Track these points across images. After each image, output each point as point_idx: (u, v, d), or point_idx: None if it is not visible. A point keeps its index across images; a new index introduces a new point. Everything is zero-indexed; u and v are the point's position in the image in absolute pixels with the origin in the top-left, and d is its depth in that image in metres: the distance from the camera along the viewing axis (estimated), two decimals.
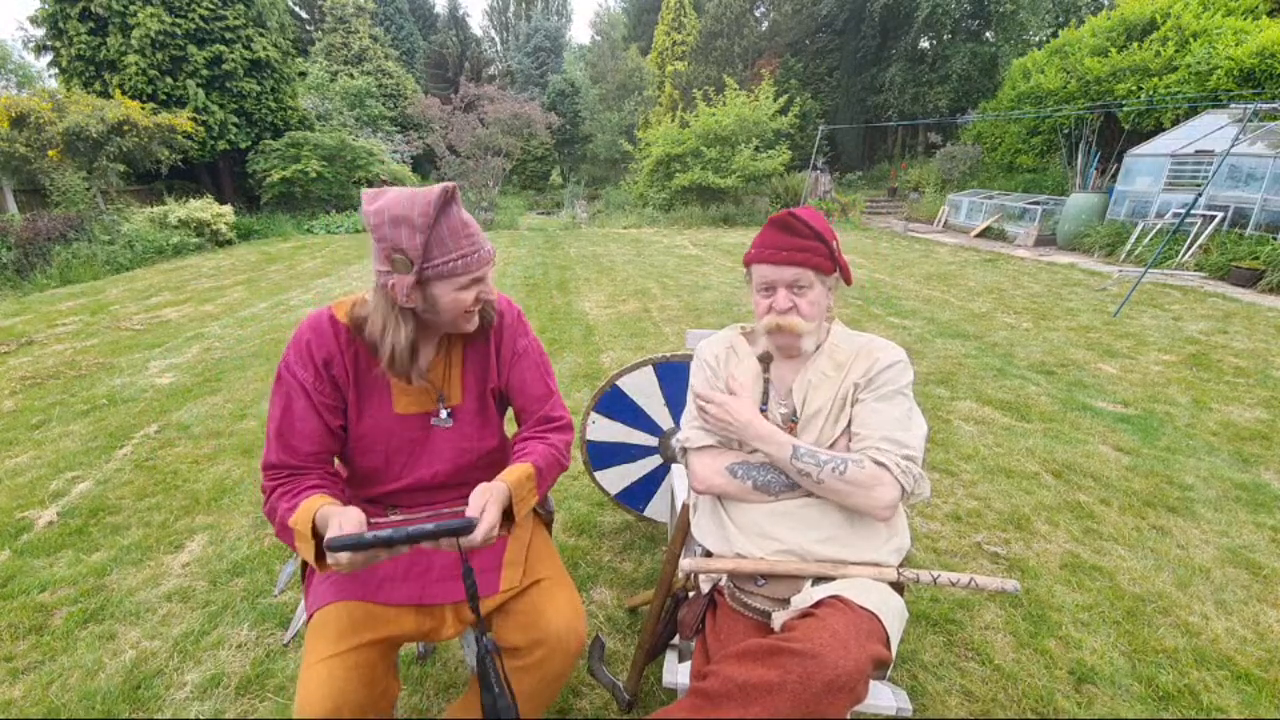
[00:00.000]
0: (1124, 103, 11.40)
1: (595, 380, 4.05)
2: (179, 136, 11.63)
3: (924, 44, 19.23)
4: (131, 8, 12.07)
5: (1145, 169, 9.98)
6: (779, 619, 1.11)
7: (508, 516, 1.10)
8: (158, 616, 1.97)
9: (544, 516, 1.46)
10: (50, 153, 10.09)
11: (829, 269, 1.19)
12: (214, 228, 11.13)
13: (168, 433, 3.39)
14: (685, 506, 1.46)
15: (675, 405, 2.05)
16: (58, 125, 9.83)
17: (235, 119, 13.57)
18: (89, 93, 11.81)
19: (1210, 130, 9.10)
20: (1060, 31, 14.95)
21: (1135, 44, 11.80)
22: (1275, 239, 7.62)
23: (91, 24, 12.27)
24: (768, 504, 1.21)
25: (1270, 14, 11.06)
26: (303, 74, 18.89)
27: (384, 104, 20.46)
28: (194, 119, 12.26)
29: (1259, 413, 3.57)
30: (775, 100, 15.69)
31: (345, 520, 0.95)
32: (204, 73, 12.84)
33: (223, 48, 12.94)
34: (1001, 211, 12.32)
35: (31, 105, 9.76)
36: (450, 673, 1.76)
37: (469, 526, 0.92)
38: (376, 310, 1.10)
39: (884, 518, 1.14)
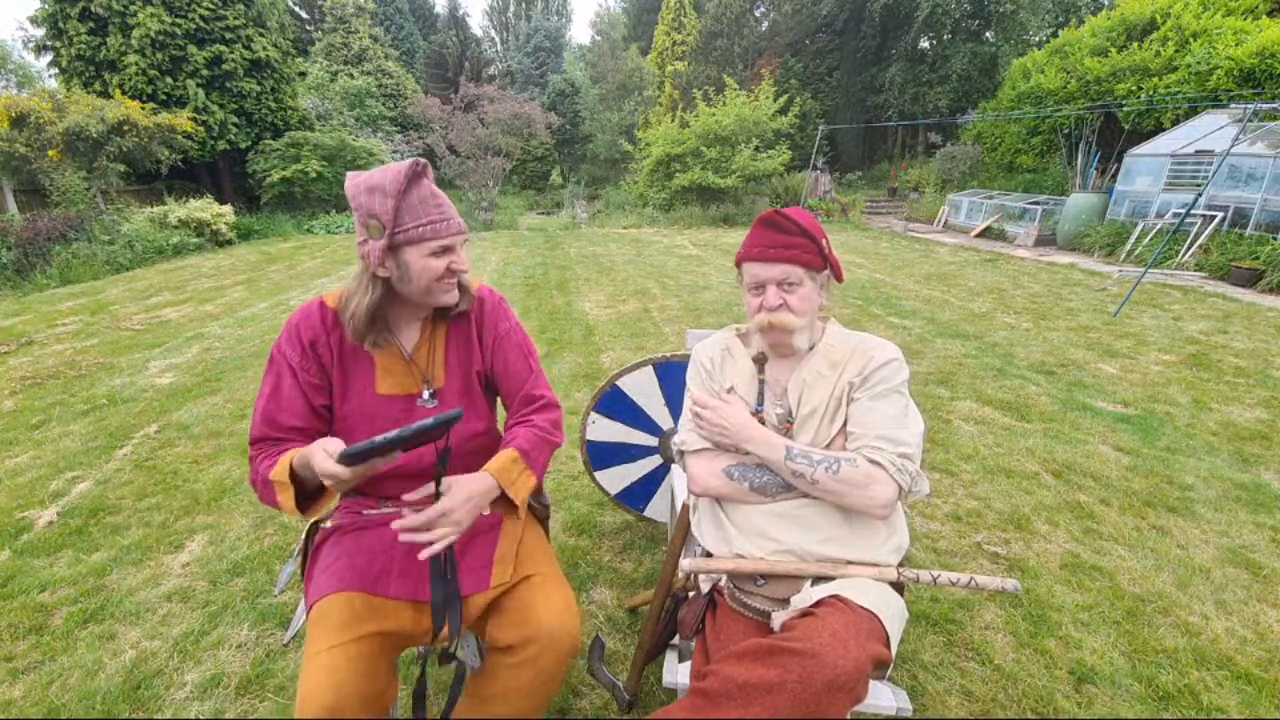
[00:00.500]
0: (1124, 103, 11.40)
1: (595, 380, 4.05)
2: (179, 136, 11.64)
3: (924, 44, 19.23)
4: (131, 8, 12.08)
5: (1145, 169, 9.98)
6: (779, 619, 1.11)
7: (507, 502, 1.16)
8: (158, 616, 1.97)
9: (539, 511, 1.46)
10: (50, 153, 10.10)
11: (818, 265, 1.19)
12: (214, 228, 11.13)
13: (168, 433, 3.39)
14: (685, 506, 1.46)
15: (675, 405, 2.05)
16: (58, 125, 9.84)
17: (235, 119, 13.58)
18: (89, 93, 11.82)
19: (1210, 130, 9.10)
20: (1060, 31, 14.95)
21: (1135, 44, 11.80)
22: (1275, 239, 7.62)
23: (91, 24, 12.28)
24: (765, 505, 1.21)
25: (1270, 14, 11.05)
26: (303, 74, 18.91)
27: (384, 104, 20.48)
28: (194, 119, 12.27)
29: (1259, 413, 3.57)
30: (775, 100, 15.68)
31: (328, 445, 0.99)
32: (204, 73, 12.85)
33: (223, 48, 12.95)
34: (1001, 211, 12.32)
35: (31, 105, 9.76)
36: (450, 672, 1.76)
37: (460, 416, 0.97)
38: (352, 279, 1.18)
39: (881, 516, 1.14)
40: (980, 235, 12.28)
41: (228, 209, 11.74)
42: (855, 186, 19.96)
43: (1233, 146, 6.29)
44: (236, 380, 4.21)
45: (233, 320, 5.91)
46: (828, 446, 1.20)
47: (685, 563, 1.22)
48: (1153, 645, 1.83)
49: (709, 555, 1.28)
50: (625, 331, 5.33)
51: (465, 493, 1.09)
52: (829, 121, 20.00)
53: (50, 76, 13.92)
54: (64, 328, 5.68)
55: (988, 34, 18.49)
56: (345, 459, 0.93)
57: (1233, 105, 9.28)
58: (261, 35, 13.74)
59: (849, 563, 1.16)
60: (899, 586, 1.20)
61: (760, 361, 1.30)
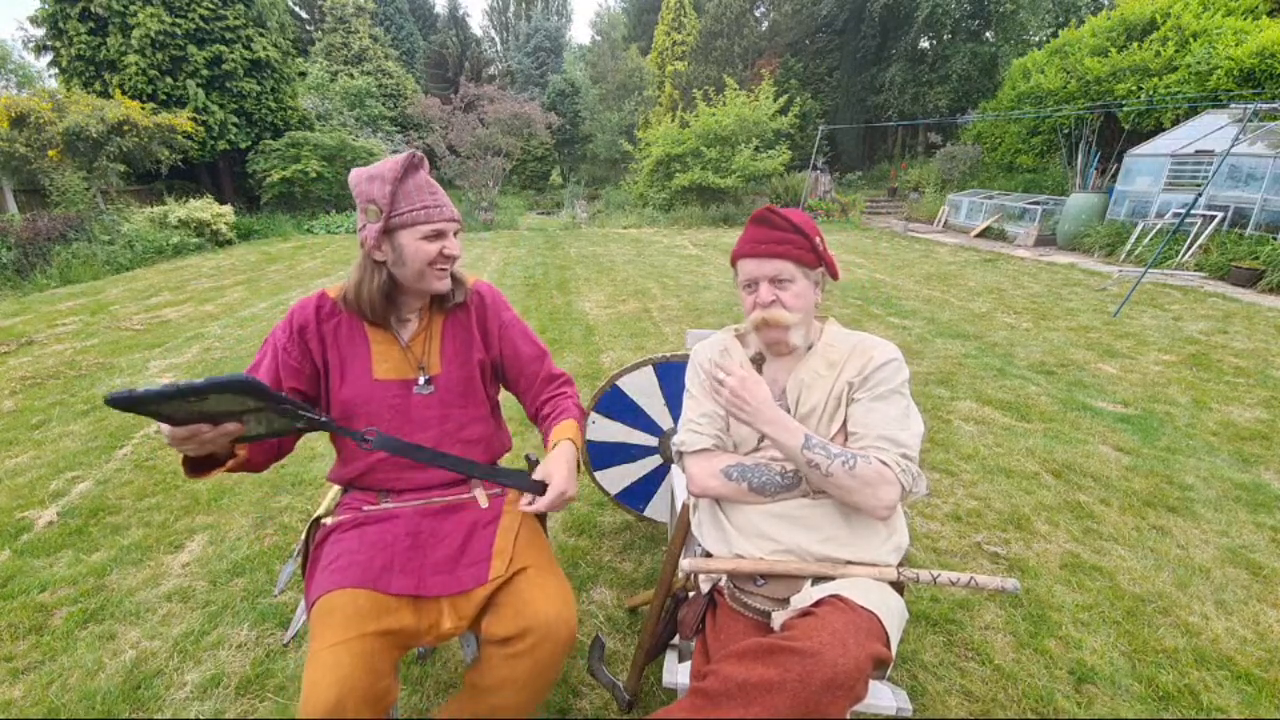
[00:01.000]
0: (1124, 103, 11.39)
1: (595, 380, 4.05)
2: (179, 136, 11.64)
3: (924, 44, 19.22)
4: (131, 8, 12.08)
5: (1145, 169, 9.98)
6: (779, 618, 1.11)
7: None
8: (158, 616, 1.97)
9: None
10: (50, 153, 10.10)
11: (811, 262, 1.19)
12: (214, 228, 11.13)
13: None
14: (685, 507, 1.46)
15: (675, 405, 2.04)
16: (58, 125, 9.84)
17: (235, 119, 13.58)
18: (89, 93, 11.81)
19: (1210, 130, 9.10)
20: (1060, 31, 14.94)
21: (1135, 44, 11.80)
22: (1275, 239, 7.62)
23: (91, 24, 12.27)
24: (765, 505, 1.21)
25: (1270, 14, 11.05)
26: (303, 74, 18.90)
27: (384, 104, 20.47)
28: (194, 119, 12.26)
29: (1259, 413, 3.57)
30: (775, 100, 15.67)
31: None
32: (204, 73, 12.84)
33: (223, 48, 12.94)
34: (1001, 211, 12.32)
35: (31, 105, 9.76)
36: (450, 672, 1.76)
37: (241, 381, 0.89)
38: (357, 267, 1.26)
39: (883, 517, 1.14)
40: (980, 235, 12.28)
41: (228, 209, 11.73)
42: (855, 186, 19.95)
43: (1233, 146, 6.28)
44: None
45: (232, 320, 5.90)
46: None
47: (685, 563, 1.22)
48: (1153, 645, 1.83)
49: (709, 555, 1.28)
50: (625, 331, 5.33)
51: (568, 469, 1.22)
52: (829, 121, 20.00)
53: (50, 76, 13.93)
54: (64, 328, 5.68)
55: (988, 34, 18.48)
56: (110, 401, 0.86)
57: (1233, 105, 9.28)
58: (261, 35, 13.74)
59: (849, 563, 1.16)
60: (899, 586, 1.20)
61: (758, 361, 1.30)
